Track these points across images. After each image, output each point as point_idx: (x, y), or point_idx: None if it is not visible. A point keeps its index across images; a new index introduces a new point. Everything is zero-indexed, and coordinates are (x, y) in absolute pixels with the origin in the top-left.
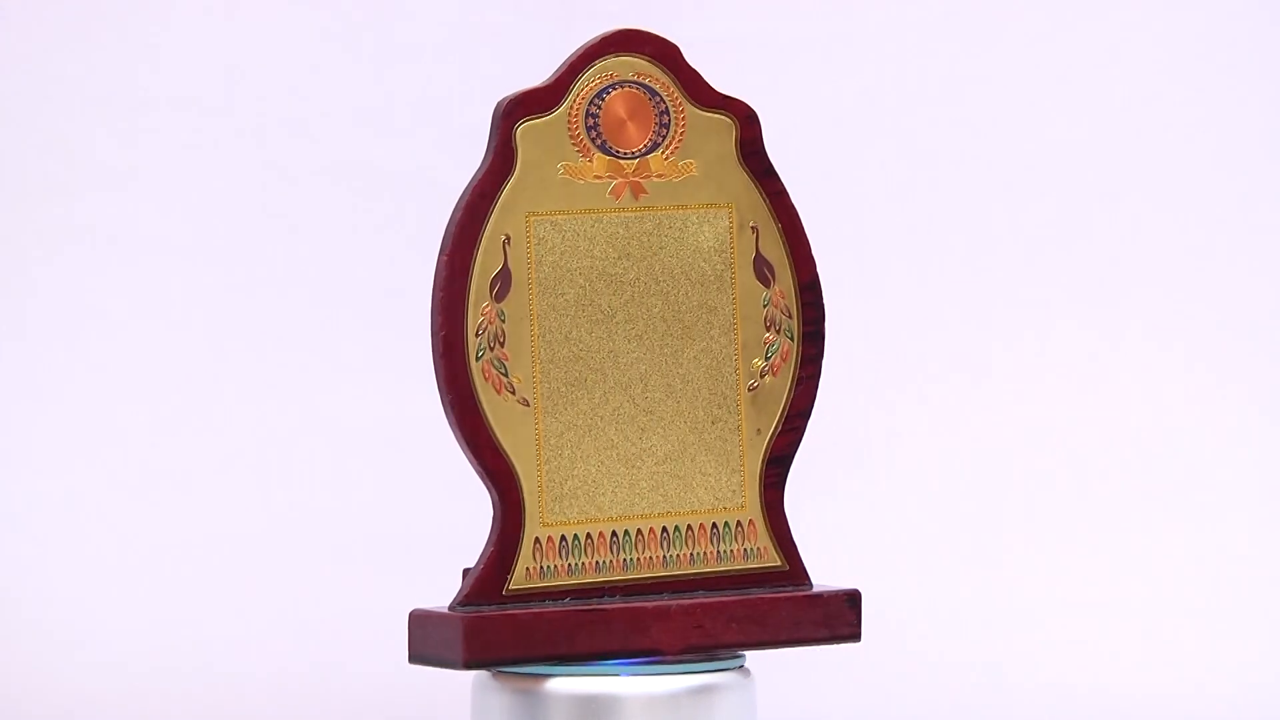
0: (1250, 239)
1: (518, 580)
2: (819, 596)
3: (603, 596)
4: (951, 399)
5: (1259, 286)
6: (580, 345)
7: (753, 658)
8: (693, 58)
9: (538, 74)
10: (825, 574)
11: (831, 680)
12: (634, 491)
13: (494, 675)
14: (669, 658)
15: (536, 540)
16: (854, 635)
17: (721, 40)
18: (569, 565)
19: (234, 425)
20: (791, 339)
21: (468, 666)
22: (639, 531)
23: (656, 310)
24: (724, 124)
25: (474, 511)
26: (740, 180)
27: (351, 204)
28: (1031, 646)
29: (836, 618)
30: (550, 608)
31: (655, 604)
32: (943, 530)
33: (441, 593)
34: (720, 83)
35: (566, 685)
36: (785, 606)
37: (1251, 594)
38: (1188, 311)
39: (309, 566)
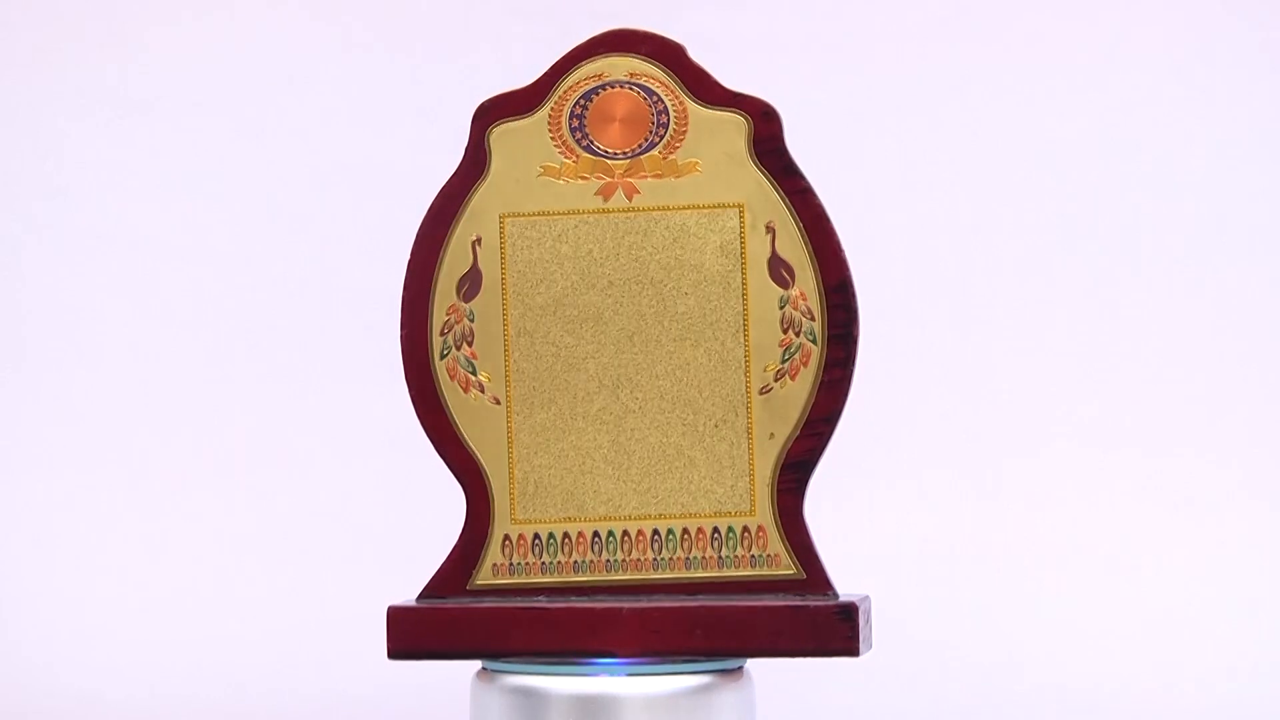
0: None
1: (484, 576)
2: (805, 608)
3: (582, 596)
4: (963, 406)
5: (1259, 289)
6: (561, 345)
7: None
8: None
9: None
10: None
11: (830, 681)
12: (620, 492)
13: (488, 673)
14: (621, 661)
15: (506, 537)
16: (849, 650)
17: (724, 39)
18: (543, 563)
19: (233, 425)
20: (814, 341)
21: (393, 657)
22: (625, 533)
23: (650, 311)
24: (734, 122)
25: None
26: (753, 179)
27: (350, 204)
28: (1034, 650)
29: (827, 630)
30: (486, 604)
31: (606, 605)
32: (945, 534)
33: None
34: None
35: (565, 685)
36: (765, 616)
37: (1255, 599)
38: (1192, 315)
39: (316, 564)
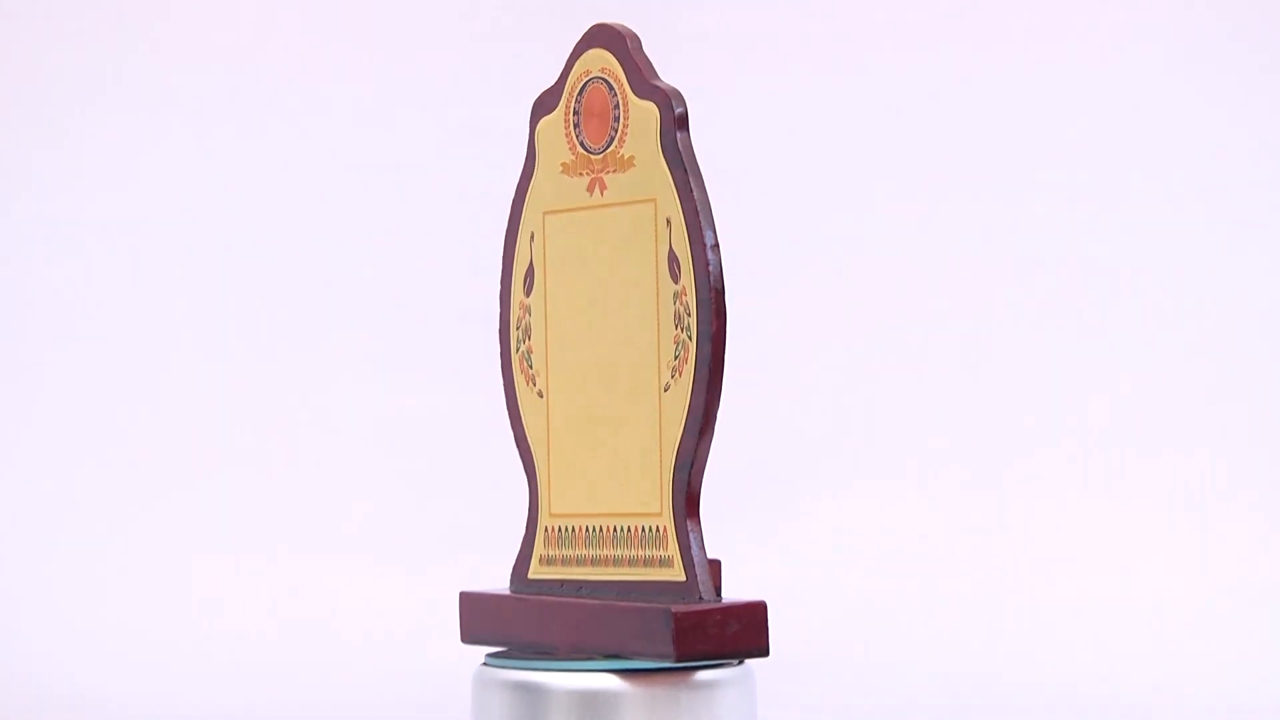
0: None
1: (535, 567)
2: (637, 610)
3: (577, 591)
4: (958, 404)
5: (1256, 289)
6: (568, 341)
7: None
8: (691, 53)
9: (537, 72)
10: (817, 578)
11: (832, 677)
12: (596, 489)
13: (490, 669)
14: (560, 654)
15: (546, 529)
16: (666, 654)
17: (725, 35)
18: (563, 556)
19: (228, 425)
20: (692, 339)
21: (464, 642)
22: (600, 529)
23: (611, 307)
24: (653, 113)
25: None
26: (661, 172)
27: (366, 199)
28: (1029, 650)
29: (655, 634)
30: (500, 594)
31: (554, 600)
32: (944, 534)
33: None
34: (720, 78)
35: (565, 681)
36: (618, 616)
37: (1212, 605)
38: (1176, 308)
39: (316, 561)
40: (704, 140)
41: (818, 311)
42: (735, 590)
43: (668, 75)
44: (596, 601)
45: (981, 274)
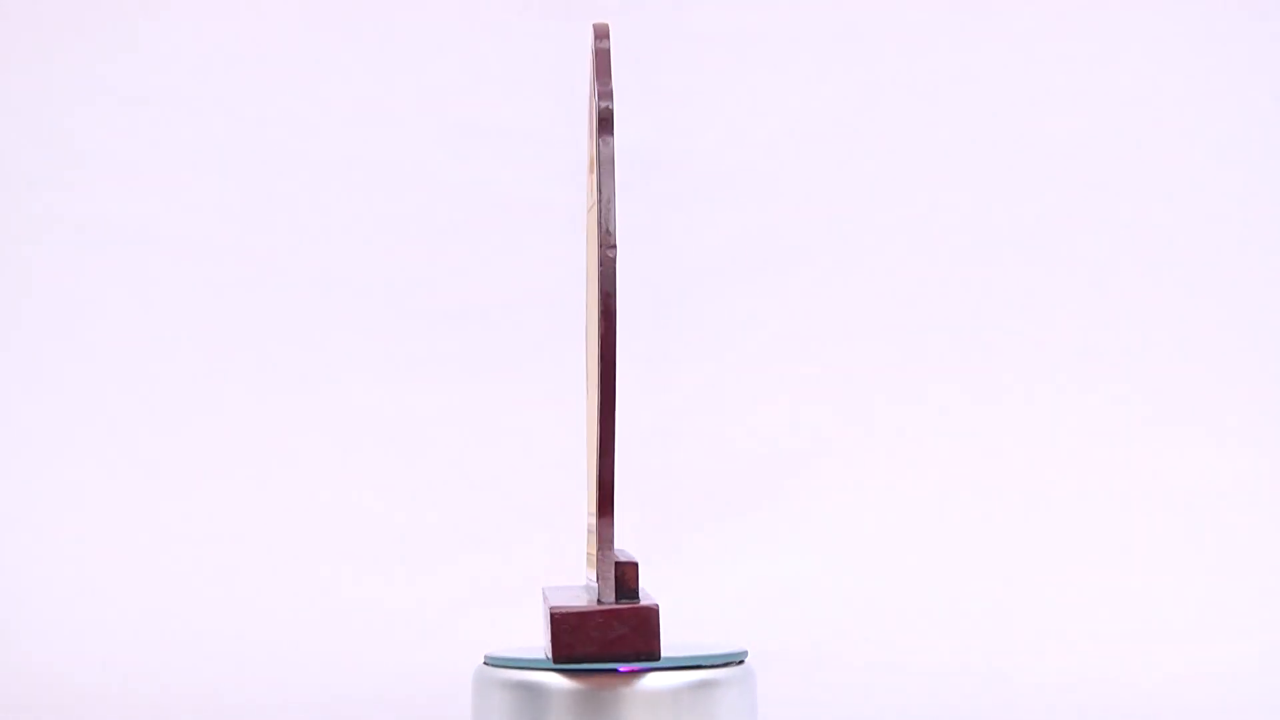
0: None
1: (586, 565)
2: (551, 612)
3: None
4: (957, 398)
5: (1252, 282)
6: (587, 342)
7: (756, 653)
8: (689, 52)
9: (538, 71)
10: (818, 577)
11: (832, 677)
12: (590, 489)
13: (490, 668)
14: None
15: (588, 529)
16: (548, 655)
17: (724, 34)
18: (588, 556)
19: (223, 427)
20: (595, 340)
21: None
22: (590, 530)
23: (588, 306)
24: (593, 113)
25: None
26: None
27: (364, 199)
28: (1030, 648)
29: (551, 636)
30: (548, 596)
31: (548, 604)
32: (944, 533)
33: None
34: (716, 77)
35: (566, 680)
36: (552, 620)
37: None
38: (1177, 305)
39: (316, 559)
40: (705, 140)
41: (818, 309)
42: (728, 591)
43: (669, 74)
44: (545, 603)
45: (979, 273)
